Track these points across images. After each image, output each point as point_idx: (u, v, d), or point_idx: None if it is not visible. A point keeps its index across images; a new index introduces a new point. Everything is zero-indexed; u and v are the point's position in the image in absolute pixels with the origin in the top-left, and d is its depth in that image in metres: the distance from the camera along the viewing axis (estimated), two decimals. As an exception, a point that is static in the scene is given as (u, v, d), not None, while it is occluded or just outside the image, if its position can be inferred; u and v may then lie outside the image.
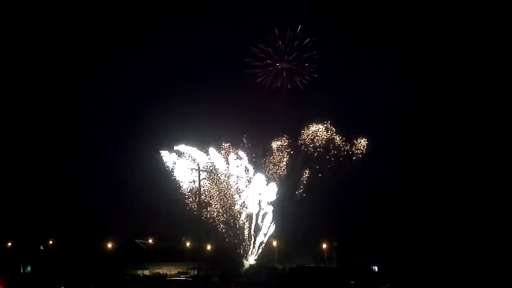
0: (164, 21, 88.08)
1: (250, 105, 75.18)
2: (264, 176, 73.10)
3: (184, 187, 70.49)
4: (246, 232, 72.65)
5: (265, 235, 73.32)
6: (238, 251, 72.53)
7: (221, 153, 72.85)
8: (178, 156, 70.61)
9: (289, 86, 76.72)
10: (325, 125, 74.19)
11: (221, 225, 72.26)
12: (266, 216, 73.16)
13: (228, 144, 73.34)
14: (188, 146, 70.61)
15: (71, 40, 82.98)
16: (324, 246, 73.81)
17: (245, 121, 73.27)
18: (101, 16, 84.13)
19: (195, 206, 67.05)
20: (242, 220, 72.58)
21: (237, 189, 72.72)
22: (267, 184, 72.73)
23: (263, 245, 73.80)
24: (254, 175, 72.92)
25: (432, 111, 76.00)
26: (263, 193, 72.49)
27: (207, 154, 71.72)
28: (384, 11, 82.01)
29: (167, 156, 70.08)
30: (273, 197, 72.50)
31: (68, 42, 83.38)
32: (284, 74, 76.58)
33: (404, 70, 78.59)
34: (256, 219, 72.92)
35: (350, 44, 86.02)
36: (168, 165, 70.15)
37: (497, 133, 68.73)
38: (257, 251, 73.23)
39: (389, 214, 70.59)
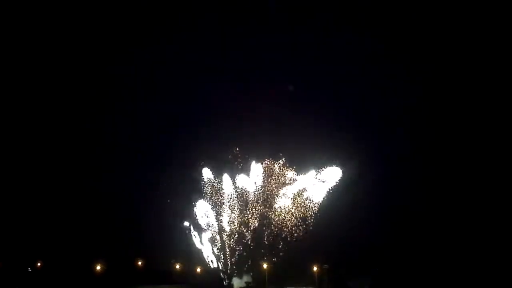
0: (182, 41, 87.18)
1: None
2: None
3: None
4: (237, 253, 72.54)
5: (255, 256, 72.96)
6: (229, 272, 72.14)
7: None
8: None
9: None
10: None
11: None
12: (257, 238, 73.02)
13: None
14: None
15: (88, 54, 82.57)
16: (315, 268, 73.16)
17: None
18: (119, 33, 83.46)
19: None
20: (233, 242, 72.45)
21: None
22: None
23: (254, 267, 73.37)
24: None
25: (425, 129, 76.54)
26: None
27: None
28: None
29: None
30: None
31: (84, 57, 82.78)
32: None
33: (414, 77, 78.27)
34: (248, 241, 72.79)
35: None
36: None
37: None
38: (248, 273, 72.77)
39: (380, 237, 70.53)
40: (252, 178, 73.58)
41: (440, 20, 79.57)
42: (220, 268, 72.28)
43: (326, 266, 72.76)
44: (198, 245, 72.75)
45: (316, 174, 72.40)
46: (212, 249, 72.49)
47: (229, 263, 72.39)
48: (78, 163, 78.29)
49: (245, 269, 72.26)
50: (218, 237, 72.60)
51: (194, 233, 70.28)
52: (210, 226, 72.97)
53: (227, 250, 72.32)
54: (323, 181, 71.61)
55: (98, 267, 71.94)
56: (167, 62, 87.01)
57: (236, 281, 72.27)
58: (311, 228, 72.12)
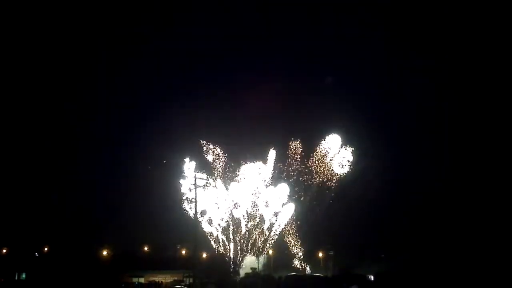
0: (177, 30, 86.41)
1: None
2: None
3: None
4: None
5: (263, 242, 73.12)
6: (234, 258, 72.20)
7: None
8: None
9: None
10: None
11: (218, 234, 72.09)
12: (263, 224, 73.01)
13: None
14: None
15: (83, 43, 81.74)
16: (320, 255, 73.57)
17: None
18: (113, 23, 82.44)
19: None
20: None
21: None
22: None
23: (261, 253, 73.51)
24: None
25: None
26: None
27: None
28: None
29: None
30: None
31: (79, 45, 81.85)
32: None
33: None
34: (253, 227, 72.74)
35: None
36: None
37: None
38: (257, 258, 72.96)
39: (386, 223, 70.60)
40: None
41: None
42: (227, 254, 72.33)
43: (331, 252, 73.25)
44: (204, 230, 72.55)
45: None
46: (219, 234, 72.42)
47: (237, 249, 72.42)
48: (84, 151, 78.46)
49: (253, 254, 72.35)
50: (225, 222, 72.53)
51: (201, 218, 69.96)
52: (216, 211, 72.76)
53: (235, 236, 72.34)
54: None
55: (104, 253, 72.45)
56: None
57: (246, 263, 72.04)
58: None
